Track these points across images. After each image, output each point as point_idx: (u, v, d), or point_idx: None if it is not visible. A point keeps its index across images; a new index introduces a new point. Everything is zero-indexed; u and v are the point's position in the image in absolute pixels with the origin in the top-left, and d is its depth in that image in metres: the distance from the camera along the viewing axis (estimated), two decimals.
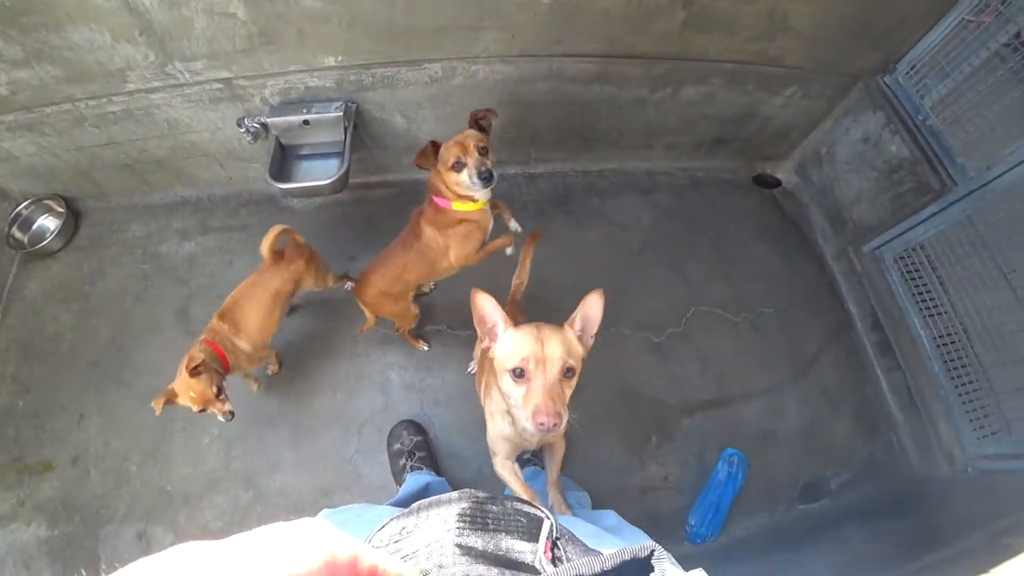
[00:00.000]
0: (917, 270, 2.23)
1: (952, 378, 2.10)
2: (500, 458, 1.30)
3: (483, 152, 1.52)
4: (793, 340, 2.31)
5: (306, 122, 1.89)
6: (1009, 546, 1.52)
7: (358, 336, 2.07)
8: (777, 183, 2.71)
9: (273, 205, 2.34)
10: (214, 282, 2.20)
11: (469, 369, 2.00)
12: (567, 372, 0.97)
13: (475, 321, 1.06)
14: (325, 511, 0.93)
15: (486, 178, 1.49)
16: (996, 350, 2.01)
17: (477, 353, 1.81)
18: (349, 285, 2.01)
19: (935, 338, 2.16)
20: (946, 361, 2.12)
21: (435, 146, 1.52)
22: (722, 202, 2.58)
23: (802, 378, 2.25)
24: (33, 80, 1.84)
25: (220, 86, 1.89)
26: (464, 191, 1.57)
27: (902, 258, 2.27)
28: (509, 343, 1.02)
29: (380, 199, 2.36)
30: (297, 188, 1.89)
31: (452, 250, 1.70)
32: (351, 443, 1.92)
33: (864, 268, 2.42)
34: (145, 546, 1.86)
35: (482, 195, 1.62)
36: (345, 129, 1.90)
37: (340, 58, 1.82)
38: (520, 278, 1.64)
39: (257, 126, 1.95)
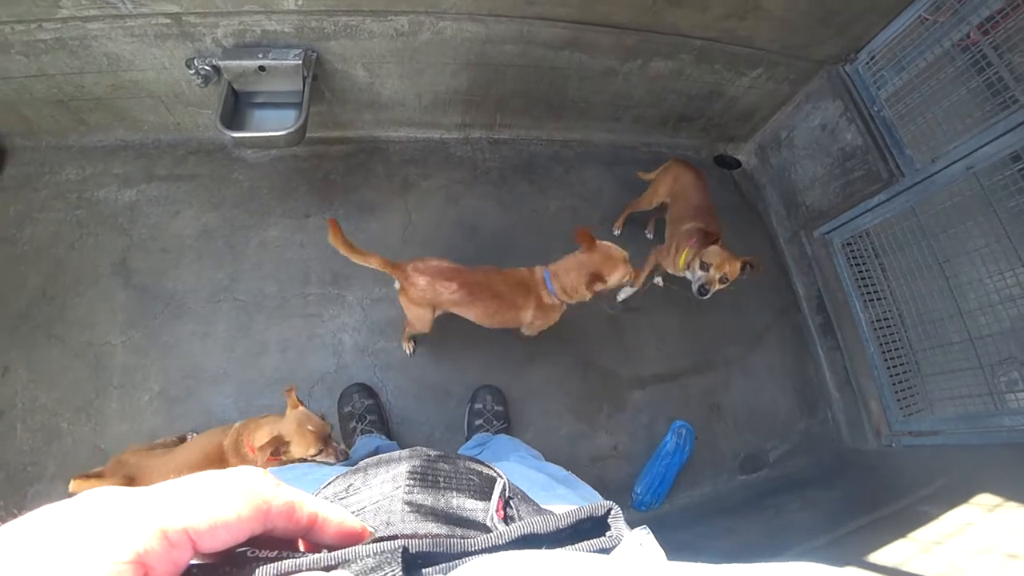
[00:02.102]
0: (862, 256, 2.34)
1: (885, 360, 2.24)
2: None
3: (723, 281, 1.79)
4: (743, 317, 2.39)
5: (262, 68, 1.77)
6: (927, 513, 1.65)
7: (309, 296, 2.01)
8: (737, 164, 2.77)
9: (224, 155, 2.20)
10: (157, 233, 2.07)
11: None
12: None
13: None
14: (269, 470, 0.90)
15: (703, 294, 1.81)
16: (926, 335, 2.15)
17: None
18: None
19: (873, 321, 2.28)
20: (881, 344, 2.25)
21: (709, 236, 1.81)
22: None
23: (750, 354, 2.34)
24: None
25: (168, 21, 1.75)
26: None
27: (849, 244, 2.38)
28: None
29: (338, 156, 2.26)
30: (250, 138, 1.78)
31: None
32: (307, 403, 1.87)
33: (814, 252, 2.51)
34: None
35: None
36: (304, 79, 1.79)
37: (300, 2, 1.71)
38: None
39: (208, 68, 1.82)
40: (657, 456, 2.02)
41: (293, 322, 1.97)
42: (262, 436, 1.32)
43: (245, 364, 1.91)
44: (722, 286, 1.79)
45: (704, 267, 1.78)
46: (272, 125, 1.82)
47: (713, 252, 1.78)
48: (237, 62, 1.78)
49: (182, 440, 1.77)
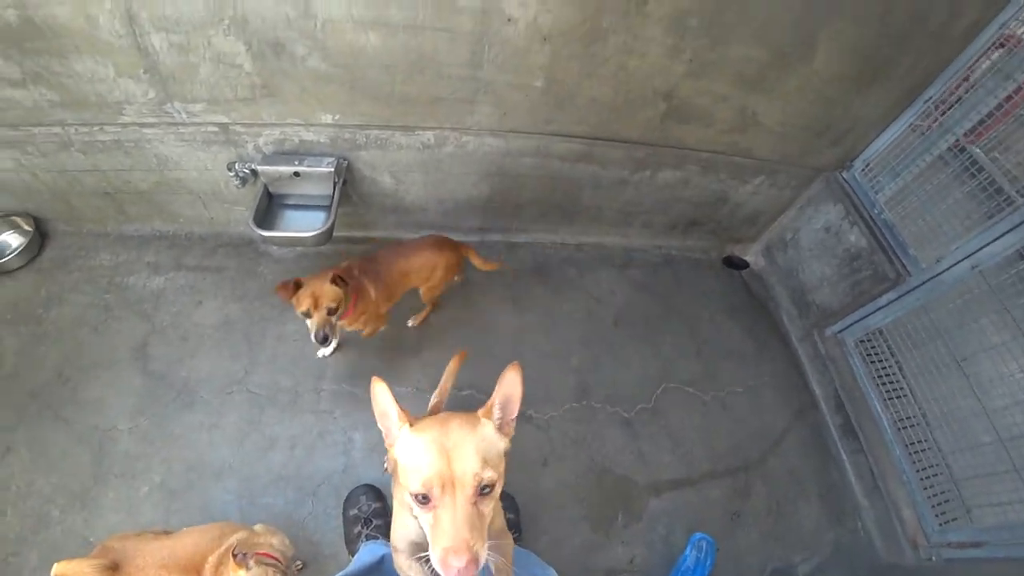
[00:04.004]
0: (878, 354, 2.32)
1: (913, 462, 2.12)
2: (403, 556, 1.03)
3: (332, 312, 1.61)
4: (761, 419, 2.33)
5: (296, 174, 1.91)
6: None
7: (322, 391, 2.01)
8: (745, 265, 2.84)
9: (252, 250, 2.32)
10: (180, 321, 2.13)
11: (384, 468, 1.87)
12: (483, 489, 0.78)
13: (376, 415, 0.90)
14: None
15: (320, 340, 1.61)
16: (953, 435, 2.05)
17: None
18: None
19: (896, 422, 2.20)
20: (907, 445, 2.16)
21: (298, 285, 1.60)
22: (694, 281, 2.67)
23: (770, 458, 2.25)
24: (26, 101, 1.84)
25: (216, 129, 1.92)
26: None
27: (863, 342, 2.36)
28: (409, 451, 0.83)
29: (361, 255, 2.35)
30: (280, 237, 1.89)
31: None
32: (305, 505, 1.79)
33: (827, 351, 2.50)
34: None
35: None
36: (334, 184, 1.93)
37: (337, 117, 1.88)
38: (439, 396, 1.64)
39: (247, 171, 1.97)
40: (676, 572, 1.89)
41: (304, 418, 1.94)
42: None
43: (252, 459, 1.87)
44: (336, 318, 1.64)
45: (306, 315, 1.62)
46: (302, 225, 1.93)
47: (301, 296, 1.59)
48: (274, 167, 1.92)
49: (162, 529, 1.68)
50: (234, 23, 1.61)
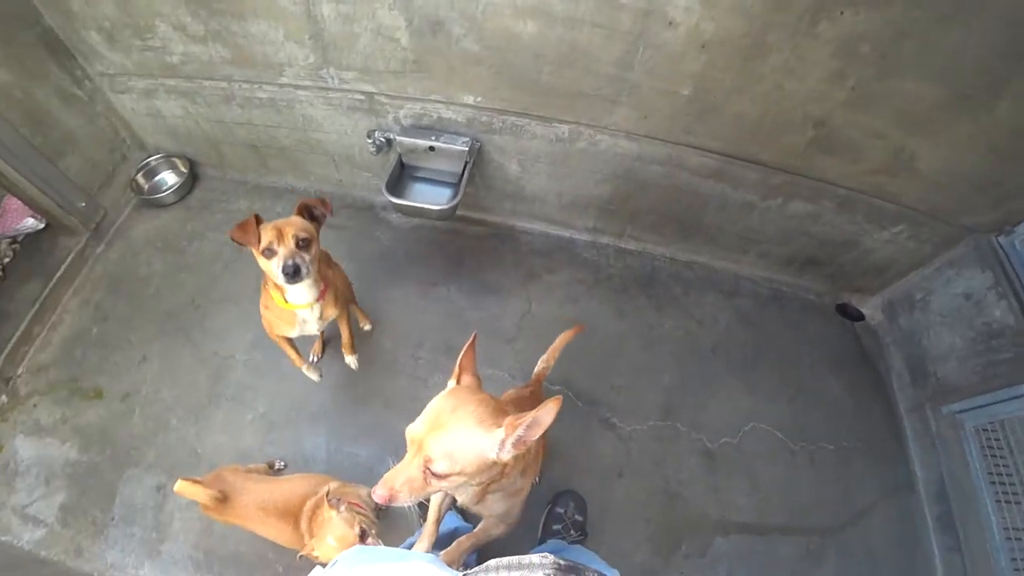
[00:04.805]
0: (1000, 448, 2.08)
1: None
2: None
3: (303, 244, 1.38)
4: (848, 485, 2.17)
5: (432, 148, 1.99)
6: None
7: (420, 359, 2.09)
8: (861, 317, 2.63)
9: (372, 214, 2.45)
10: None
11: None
12: (435, 473, 0.84)
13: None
14: (355, 548, 0.86)
15: (291, 273, 1.33)
16: None
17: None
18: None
19: (1007, 529, 1.98)
20: (1015, 559, 1.94)
21: (258, 221, 1.37)
22: (801, 322, 2.52)
23: (849, 529, 2.10)
24: (203, 56, 2.04)
25: (362, 98, 2.03)
26: (275, 281, 1.41)
27: (985, 431, 2.12)
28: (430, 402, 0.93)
29: (473, 236, 2.43)
30: (409, 206, 1.97)
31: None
32: (386, 462, 1.87)
33: (939, 430, 2.27)
34: (161, 500, 1.88)
35: (295, 294, 1.47)
36: (465, 164, 1.98)
37: (479, 99, 1.93)
38: (547, 362, 1.67)
39: (383, 140, 2.07)
40: None
41: (399, 381, 2.05)
42: (322, 533, 1.33)
43: (345, 410, 2.00)
44: (307, 252, 1.39)
45: (269, 252, 1.35)
46: (428, 198, 2.01)
47: (263, 231, 1.36)
48: (411, 139, 2.00)
49: (270, 466, 1.84)
50: None
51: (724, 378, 2.26)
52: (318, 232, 1.47)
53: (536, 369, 1.68)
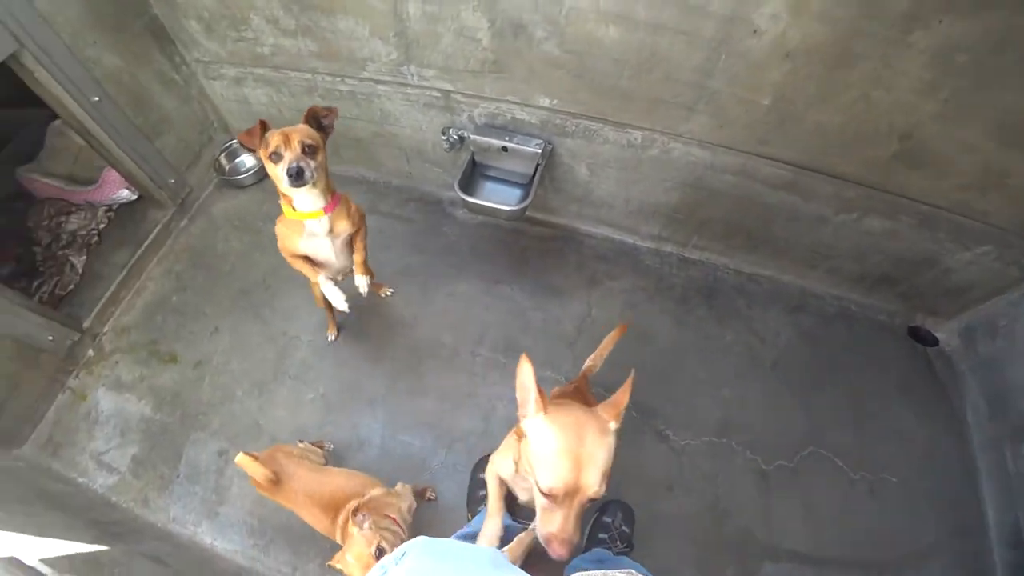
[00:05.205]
0: None
1: None
2: (494, 481, 1.31)
3: (309, 151, 1.39)
4: (910, 521, 2.06)
5: (505, 148, 2.01)
6: None
7: (478, 356, 2.13)
8: (935, 342, 2.49)
9: (439, 209, 2.50)
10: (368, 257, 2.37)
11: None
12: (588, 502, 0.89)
13: (517, 386, 1.00)
14: (422, 540, 0.87)
15: (294, 175, 1.35)
16: None
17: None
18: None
19: None
20: None
21: (265, 127, 1.40)
22: (869, 344, 2.40)
23: (908, 571, 1.99)
24: (292, 48, 2.13)
25: (439, 95, 2.08)
26: (282, 188, 1.46)
27: None
28: (543, 444, 0.92)
29: (537, 236, 2.45)
30: (481, 205, 1.99)
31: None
32: (439, 454, 1.94)
33: (1019, 470, 2.13)
34: (222, 465, 1.99)
35: (301, 201, 1.49)
36: (537, 166, 2.00)
37: (555, 102, 1.94)
38: (594, 360, 1.66)
39: (456, 138, 2.11)
40: None
41: (457, 376, 2.08)
42: (345, 546, 1.34)
43: (402, 399, 2.05)
44: (312, 158, 1.40)
45: (276, 157, 1.38)
46: (498, 198, 2.04)
47: (270, 137, 1.38)
48: (485, 139, 2.03)
49: (319, 446, 1.88)
50: (485, 1, 1.71)
51: (784, 397, 2.18)
52: (324, 141, 1.48)
53: (584, 366, 1.70)
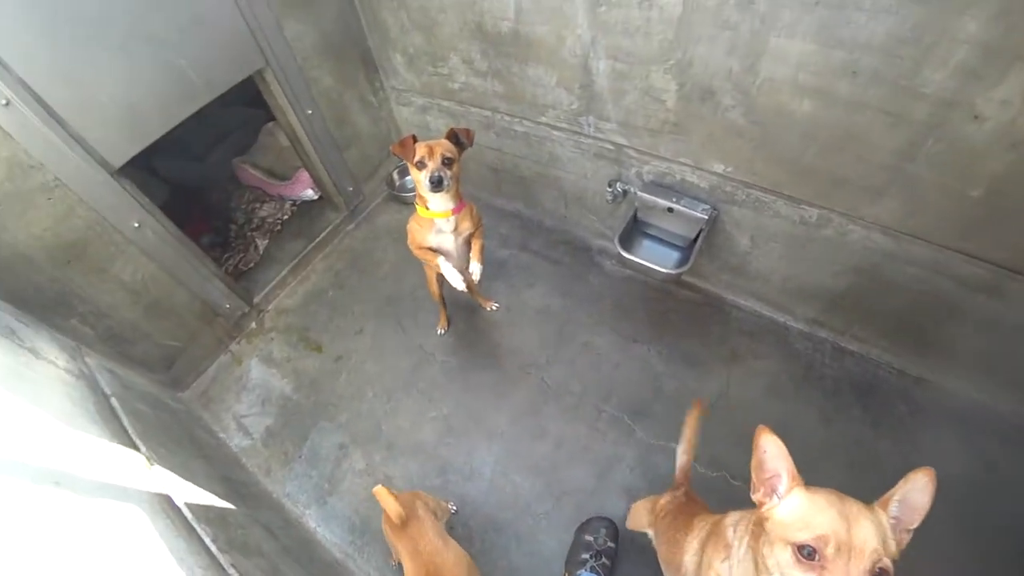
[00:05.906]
0: None
1: None
2: None
3: (447, 162, 1.66)
4: None
5: (671, 209, 1.98)
6: None
7: (603, 412, 2.07)
8: None
9: (587, 256, 2.52)
10: (511, 292, 2.47)
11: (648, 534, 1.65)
12: (879, 573, 0.75)
13: (752, 465, 0.90)
14: None
15: (435, 182, 1.63)
16: None
17: (643, 518, 1.59)
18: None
19: None
20: None
21: (415, 140, 1.67)
22: None
23: None
24: (479, 87, 2.30)
25: (611, 148, 2.12)
26: (421, 191, 1.74)
27: None
28: (799, 508, 0.83)
29: (683, 299, 2.37)
30: (637, 263, 1.96)
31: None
32: (546, 503, 1.88)
33: None
34: (340, 457, 2.10)
35: (435, 203, 1.76)
36: (700, 231, 1.95)
37: (729, 169, 1.88)
38: (687, 453, 1.51)
39: (621, 191, 2.13)
40: None
41: (578, 427, 2.03)
42: None
43: (520, 438, 2.04)
44: (449, 168, 1.67)
45: (421, 165, 1.66)
46: (655, 257, 1.99)
47: (419, 147, 1.66)
48: (652, 197, 2.02)
49: (446, 504, 1.79)
50: (678, 65, 1.72)
51: (950, 537, 1.77)
52: (460, 155, 1.73)
53: (679, 463, 1.54)
